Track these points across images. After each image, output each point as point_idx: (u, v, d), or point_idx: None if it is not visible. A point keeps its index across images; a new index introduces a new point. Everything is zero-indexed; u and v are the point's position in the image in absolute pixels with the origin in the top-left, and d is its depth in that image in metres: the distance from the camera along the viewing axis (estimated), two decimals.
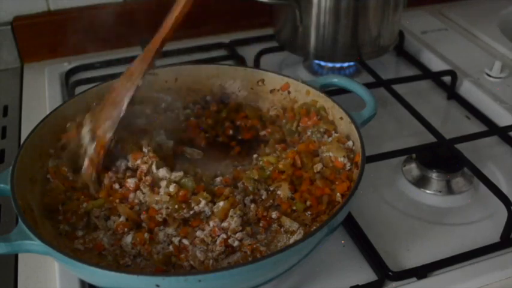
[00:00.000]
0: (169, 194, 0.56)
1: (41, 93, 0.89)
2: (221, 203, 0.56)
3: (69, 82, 0.90)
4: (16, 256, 0.61)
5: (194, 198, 0.56)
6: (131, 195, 0.57)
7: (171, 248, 0.53)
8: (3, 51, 0.96)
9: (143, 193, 0.57)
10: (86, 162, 0.59)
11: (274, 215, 0.56)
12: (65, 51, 0.98)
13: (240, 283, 0.47)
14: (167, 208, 0.55)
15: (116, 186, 0.59)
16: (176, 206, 0.55)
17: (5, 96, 0.91)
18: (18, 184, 0.53)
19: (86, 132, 0.61)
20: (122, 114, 0.60)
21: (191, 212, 0.55)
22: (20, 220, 0.49)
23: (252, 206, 0.57)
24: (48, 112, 0.65)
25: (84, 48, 0.99)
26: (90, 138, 0.60)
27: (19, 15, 0.96)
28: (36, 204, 0.55)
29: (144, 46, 0.94)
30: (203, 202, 0.55)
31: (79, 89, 0.84)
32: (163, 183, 0.57)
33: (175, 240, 0.54)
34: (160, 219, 0.55)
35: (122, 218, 0.56)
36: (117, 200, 0.57)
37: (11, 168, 0.54)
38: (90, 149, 0.60)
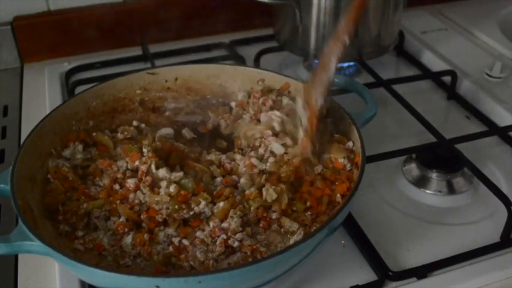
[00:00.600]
0: (169, 195, 0.56)
1: (41, 93, 0.89)
2: (221, 204, 0.55)
3: (69, 82, 0.90)
4: (16, 256, 0.61)
5: (194, 199, 0.56)
6: (131, 196, 0.57)
7: (171, 248, 0.53)
8: (3, 51, 0.96)
9: (143, 193, 0.57)
10: (301, 136, 0.60)
11: (274, 215, 0.56)
12: (65, 51, 0.98)
13: (240, 284, 0.47)
14: (167, 208, 0.55)
15: (116, 186, 0.58)
16: (176, 207, 0.55)
17: (5, 96, 0.91)
18: (18, 184, 0.53)
19: (299, 105, 0.61)
20: (331, 77, 0.59)
21: (191, 213, 0.55)
22: (20, 220, 0.49)
23: (252, 208, 0.56)
24: (48, 112, 0.65)
25: (84, 48, 0.99)
26: (303, 109, 0.60)
27: (19, 15, 0.96)
28: (36, 204, 0.55)
29: (144, 46, 0.95)
30: (203, 203, 0.55)
31: (79, 89, 0.84)
32: (163, 184, 0.57)
33: (176, 240, 0.54)
34: (160, 220, 0.55)
35: (122, 219, 0.56)
36: (118, 201, 0.57)
37: (11, 168, 0.54)
38: (304, 120, 0.60)
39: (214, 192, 0.58)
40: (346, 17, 0.60)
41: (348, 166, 0.59)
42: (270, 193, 0.56)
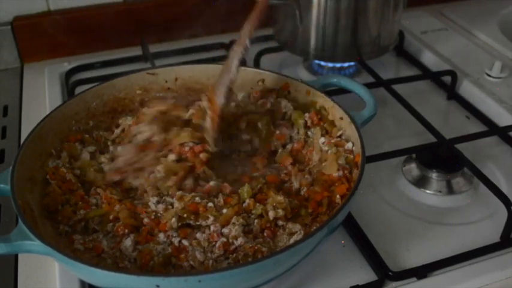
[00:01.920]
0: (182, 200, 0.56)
1: (41, 93, 0.89)
2: (224, 210, 0.55)
3: (69, 82, 0.90)
4: (16, 256, 0.61)
5: (202, 214, 0.55)
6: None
7: (170, 249, 0.53)
8: (3, 51, 0.96)
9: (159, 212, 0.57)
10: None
11: (279, 222, 0.56)
12: (65, 51, 0.98)
13: (240, 283, 0.47)
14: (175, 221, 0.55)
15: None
16: (185, 215, 0.55)
17: (5, 96, 0.91)
18: (18, 184, 0.53)
19: (204, 103, 0.63)
20: (233, 77, 0.63)
21: (197, 223, 0.55)
22: (20, 220, 0.49)
23: (256, 221, 0.55)
24: (48, 112, 0.65)
25: (84, 48, 0.99)
26: (207, 109, 0.63)
27: (19, 15, 0.96)
28: (36, 204, 0.55)
29: (144, 46, 0.95)
30: (211, 219, 0.55)
31: (79, 89, 0.84)
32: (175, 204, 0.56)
33: (175, 240, 0.54)
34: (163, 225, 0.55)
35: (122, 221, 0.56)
36: (117, 205, 0.57)
37: (11, 168, 0.54)
38: (207, 121, 0.63)
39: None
40: (249, 21, 0.64)
41: (342, 173, 0.59)
42: (277, 211, 0.56)
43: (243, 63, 0.90)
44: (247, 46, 0.63)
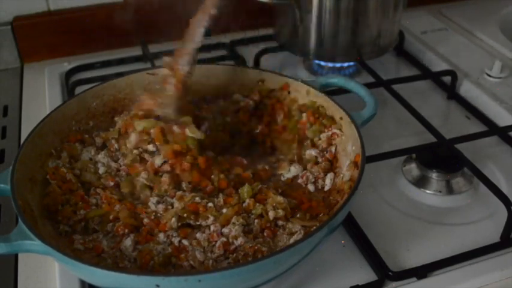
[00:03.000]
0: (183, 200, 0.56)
1: (41, 93, 0.89)
2: (224, 210, 0.55)
3: (69, 82, 0.90)
4: (16, 256, 0.61)
5: (203, 214, 0.55)
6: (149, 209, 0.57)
7: (170, 249, 0.53)
8: (3, 51, 0.96)
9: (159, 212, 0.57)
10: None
11: (280, 222, 0.56)
12: (65, 51, 0.98)
13: (240, 283, 0.47)
14: (175, 221, 0.55)
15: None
16: (185, 215, 0.55)
17: (5, 96, 0.91)
18: (18, 184, 0.53)
19: (166, 69, 0.63)
20: (195, 46, 0.62)
21: (197, 223, 0.55)
22: (20, 220, 0.49)
23: (256, 221, 0.56)
24: (48, 112, 0.65)
25: (84, 48, 0.99)
26: (170, 76, 0.63)
27: (19, 15, 0.96)
28: (36, 204, 0.55)
29: (144, 46, 0.95)
30: (211, 219, 0.55)
31: (79, 89, 0.84)
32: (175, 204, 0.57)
33: (175, 240, 0.54)
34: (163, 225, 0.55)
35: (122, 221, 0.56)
36: (117, 205, 0.57)
37: (11, 168, 0.54)
38: (171, 87, 0.62)
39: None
40: None
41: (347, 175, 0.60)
42: (277, 212, 0.56)
43: (243, 62, 0.91)
44: (212, 13, 0.62)
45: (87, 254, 0.53)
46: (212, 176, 0.59)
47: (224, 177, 0.59)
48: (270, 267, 0.47)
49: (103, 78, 0.78)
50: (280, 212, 0.55)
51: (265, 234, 0.55)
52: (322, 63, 0.92)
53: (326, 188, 0.61)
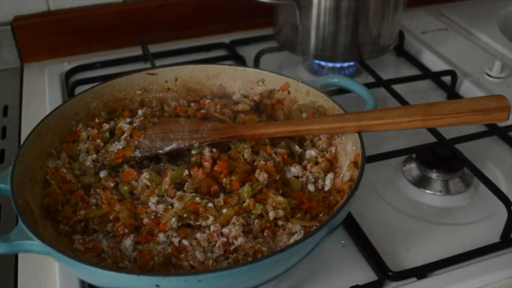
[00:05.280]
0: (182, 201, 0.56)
1: (41, 93, 0.89)
2: (224, 210, 0.55)
3: (69, 82, 0.90)
4: (16, 256, 0.61)
5: (203, 214, 0.55)
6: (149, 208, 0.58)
7: (170, 249, 0.53)
8: (3, 51, 0.96)
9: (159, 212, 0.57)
10: None
11: (280, 222, 0.56)
12: (65, 51, 0.98)
13: (240, 283, 0.47)
14: (175, 221, 0.55)
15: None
16: (185, 215, 0.55)
17: (5, 96, 0.91)
18: (18, 184, 0.53)
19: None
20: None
21: (197, 223, 0.55)
22: (20, 220, 0.49)
23: (256, 221, 0.55)
24: (48, 112, 0.65)
25: (84, 48, 0.99)
26: None
27: (19, 15, 0.96)
28: (36, 204, 0.55)
29: (144, 46, 0.95)
30: (211, 219, 0.55)
31: (79, 89, 0.84)
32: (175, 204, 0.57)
33: (175, 240, 0.54)
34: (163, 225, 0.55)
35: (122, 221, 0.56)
36: (117, 205, 0.57)
37: (11, 168, 0.54)
38: None
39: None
40: None
41: (347, 175, 0.59)
42: (277, 212, 0.56)
43: (242, 62, 0.91)
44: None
45: (87, 254, 0.53)
46: (224, 180, 0.59)
47: (236, 180, 0.59)
48: (270, 267, 0.47)
49: (103, 78, 0.79)
50: (280, 212, 0.55)
51: (265, 234, 0.55)
52: (322, 63, 0.92)
53: (326, 188, 0.61)
